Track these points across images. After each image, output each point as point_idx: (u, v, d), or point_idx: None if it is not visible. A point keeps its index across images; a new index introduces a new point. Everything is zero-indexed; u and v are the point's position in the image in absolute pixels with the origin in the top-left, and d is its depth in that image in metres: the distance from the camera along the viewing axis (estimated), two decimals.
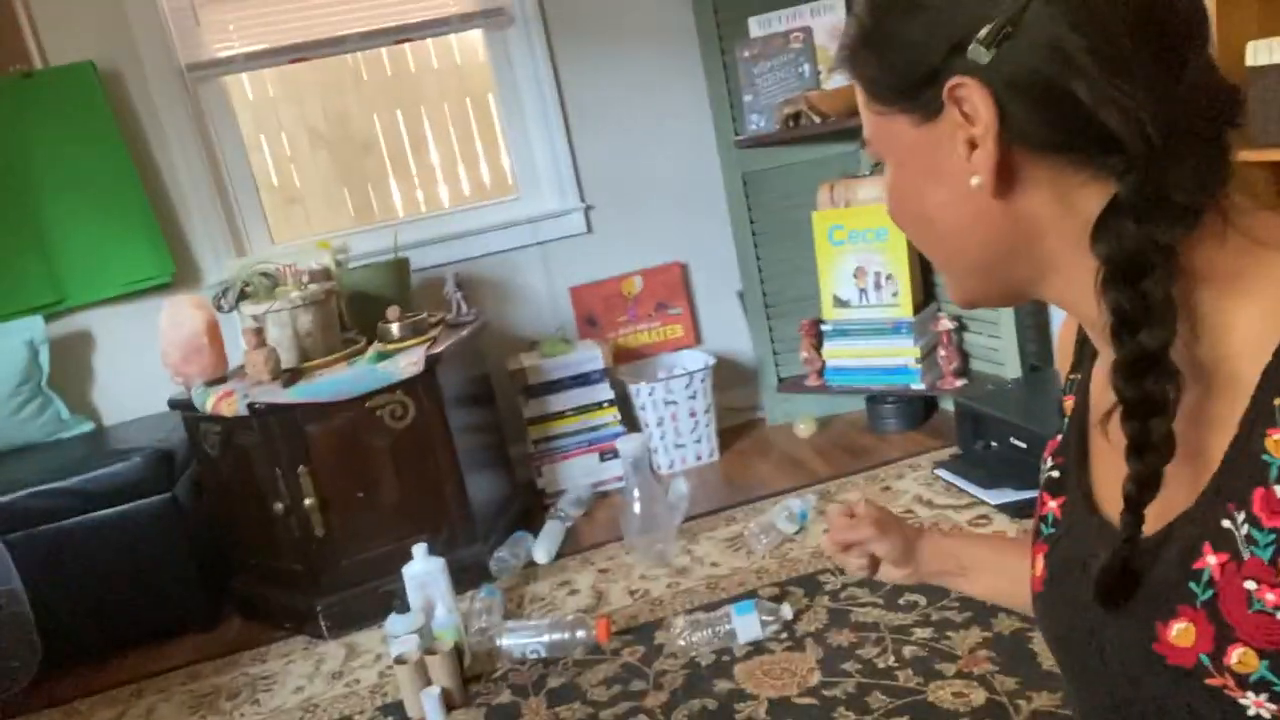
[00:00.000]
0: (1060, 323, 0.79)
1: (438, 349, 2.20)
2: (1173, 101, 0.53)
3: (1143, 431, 0.54)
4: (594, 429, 2.68)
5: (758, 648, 1.75)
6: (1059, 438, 0.74)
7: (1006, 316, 2.43)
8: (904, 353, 2.57)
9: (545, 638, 1.87)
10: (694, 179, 2.92)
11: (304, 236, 2.83)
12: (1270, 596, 0.53)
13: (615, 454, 2.55)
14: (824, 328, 2.69)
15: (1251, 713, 0.54)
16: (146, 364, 2.56)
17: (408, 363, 2.13)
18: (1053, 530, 0.71)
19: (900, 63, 0.58)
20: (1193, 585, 0.56)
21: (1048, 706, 1.43)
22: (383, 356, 2.17)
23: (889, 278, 2.58)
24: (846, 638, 1.73)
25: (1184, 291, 0.55)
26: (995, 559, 0.92)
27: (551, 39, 2.79)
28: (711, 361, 2.78)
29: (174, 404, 2.28)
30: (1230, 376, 0.55)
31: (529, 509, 2.61)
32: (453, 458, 2.20)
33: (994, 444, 2.26)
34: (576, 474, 2.68)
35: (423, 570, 1.95)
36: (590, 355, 2.67)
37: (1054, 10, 0.52)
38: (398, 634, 1.84)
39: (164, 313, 2.24)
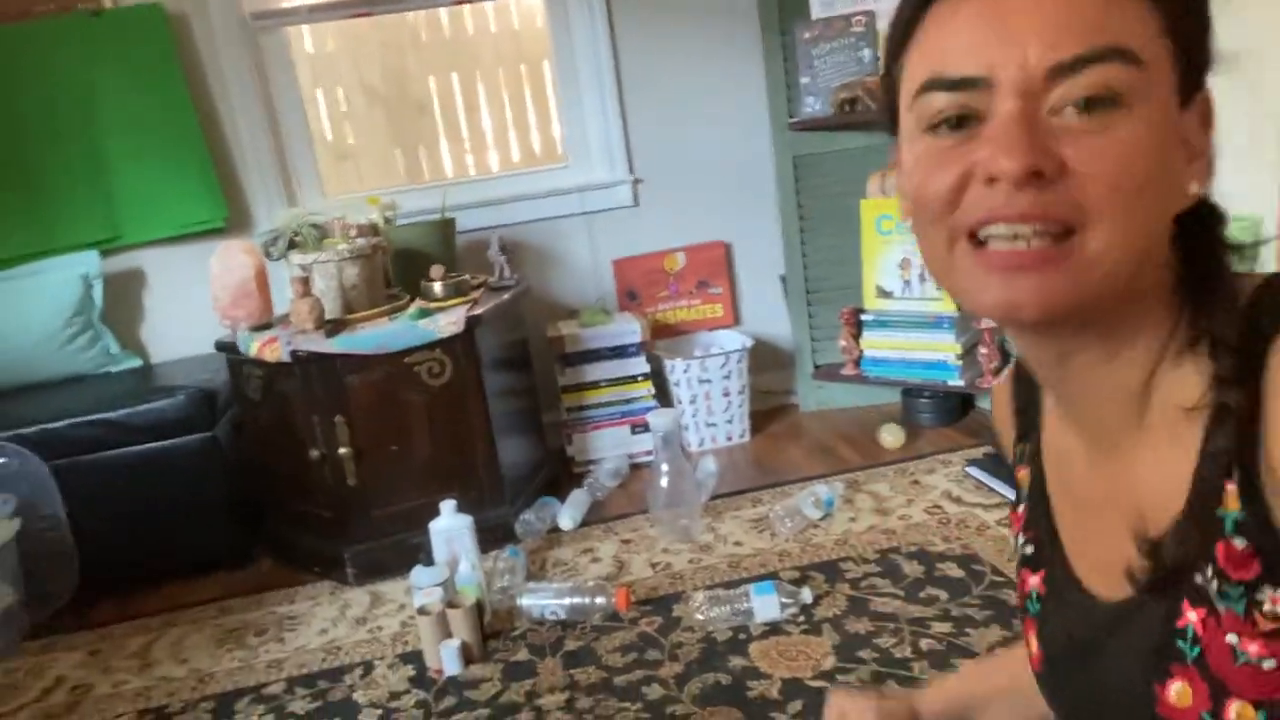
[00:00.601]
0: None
1: (478, 310, 2.22)
2: None
3: (1231, 364, 0.53)
4: (627, 401, 2.70)
5: (774, 628, 1.77)
6: (1022, 510, 0.73)
7: None
8: (944, 348, 2.55)
9: (565, 601, 1.90)
10: (744, 159, 2.91)
11: (354, 191, 2.86)
12: (1253, 648, 0.53)
13: (646, 428, 2.57)
14: (864, 317, 2.67)
15: None
16: (195, 305, 2.61)
17: (448, 322, 2.16)
18: (1040, 606, 0.70)
19: (1199, 26, 0.53)
20: (1180, 644, 0.56)
21: None
22: (424, 314, 2.20)
23: None
24: (864, 626, 1.73)
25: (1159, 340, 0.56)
26: (1009, 685, 0.87)
27: (612, 8, 2.78)
28: (749, 343, 2.77)
29: (220, 346, 2.33)
30: (1181, 431, 0.55)
31: (557, 476, 2.64)
32: (486, 419, 2.23)
33: None
34: (607, 445, 2.70)
35: (450, 526, 1.98)
36: (629, 328, 2.68)
37: None
38: (421, 586, 1.88)
39: (215, 256, 2.28)
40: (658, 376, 2.74)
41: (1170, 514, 0.56)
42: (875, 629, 1.72)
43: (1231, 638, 0.53)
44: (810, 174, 2.77)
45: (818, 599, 1.83)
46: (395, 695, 1.74)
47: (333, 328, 2.15)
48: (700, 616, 1.81)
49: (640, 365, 2.69)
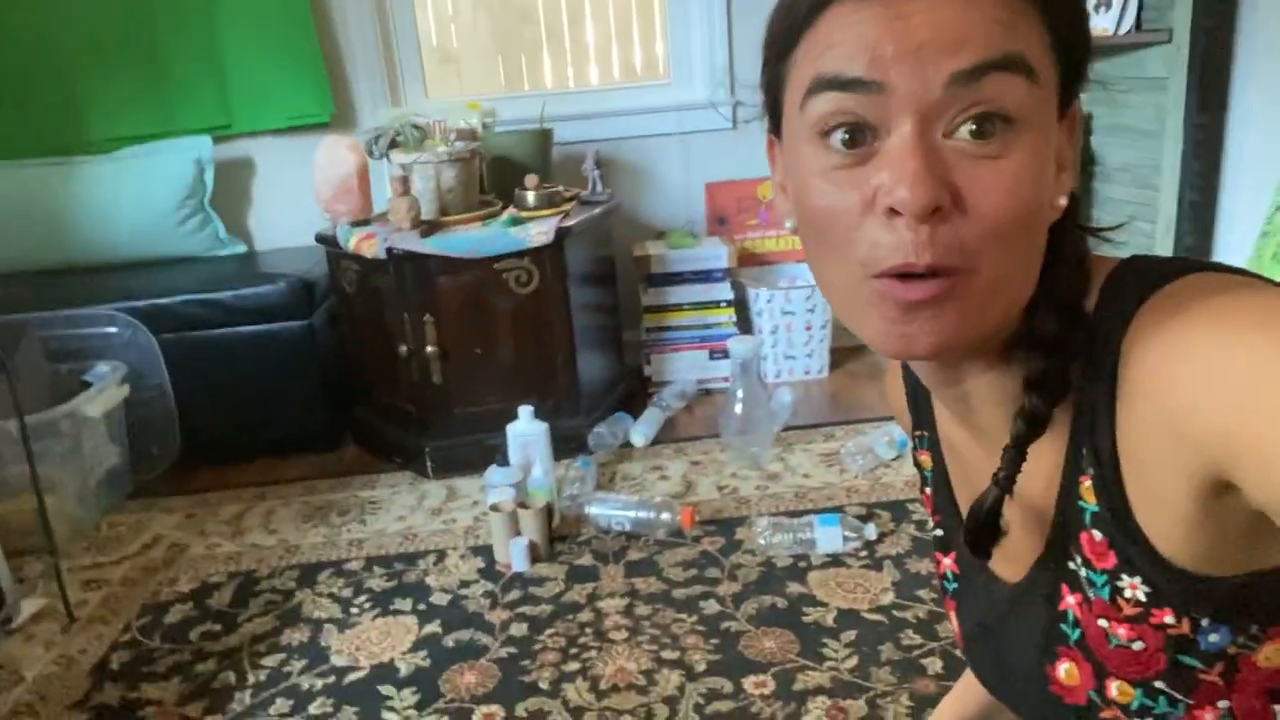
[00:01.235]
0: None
1: (569, 223, 2.24)
2: None
3: (1047, 368, 0.54)
4: (708, 326, 2.70)
5: (835, 560, 1.79)
6: (929, 493, 0.74)
7: None
8: None
9: (631, 513, 1.95)
10: None
11: (456, 96, 2.88)
12: (1121, 631, 0.55)
13: (725, 354, 2.58)
14: None
15: None
16: (299, 197, 2.69)
17: (539, 232, 2.18)
18: (955, 585, 0.73)
19: (1080, 45, 0.52)
20: (1063, 627, 0.59)
21: None
22: (516, 222, 2.23)
23: None
24: (926, 566, 1.74)
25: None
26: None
27: None
28: None
29: (320, 238, 2.41)
30: (1055, 427, 0.56)
31: (633, 394, 2.68)
32: (569, 331, 2.27)
33: None
34: (684, 368, 2.72)
35: (526, 431, 2.05)
36: (716, 253, 2.67)
37: None
38: (495, 485, 1.95)
39: (320, 150, 2.34)
40: (740, 304, 2.73)
41: (1049, 508, 0.58)
42: None
43: (1103, 622, 0.56)
44: None
45: (882, 536, 1.85)
46: (465, 584, 1.83)
47: (428, 228, 2.20)
48: (762, 541, 1.84)
49: (724, 291, 2.68)
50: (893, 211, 0.48)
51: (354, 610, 1.78)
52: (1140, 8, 2.16)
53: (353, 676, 1.59)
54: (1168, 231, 2.20)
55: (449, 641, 1.66)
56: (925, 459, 0.74)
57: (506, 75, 2.95)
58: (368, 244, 2.21)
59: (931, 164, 0.47)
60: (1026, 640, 0.63)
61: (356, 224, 2.32)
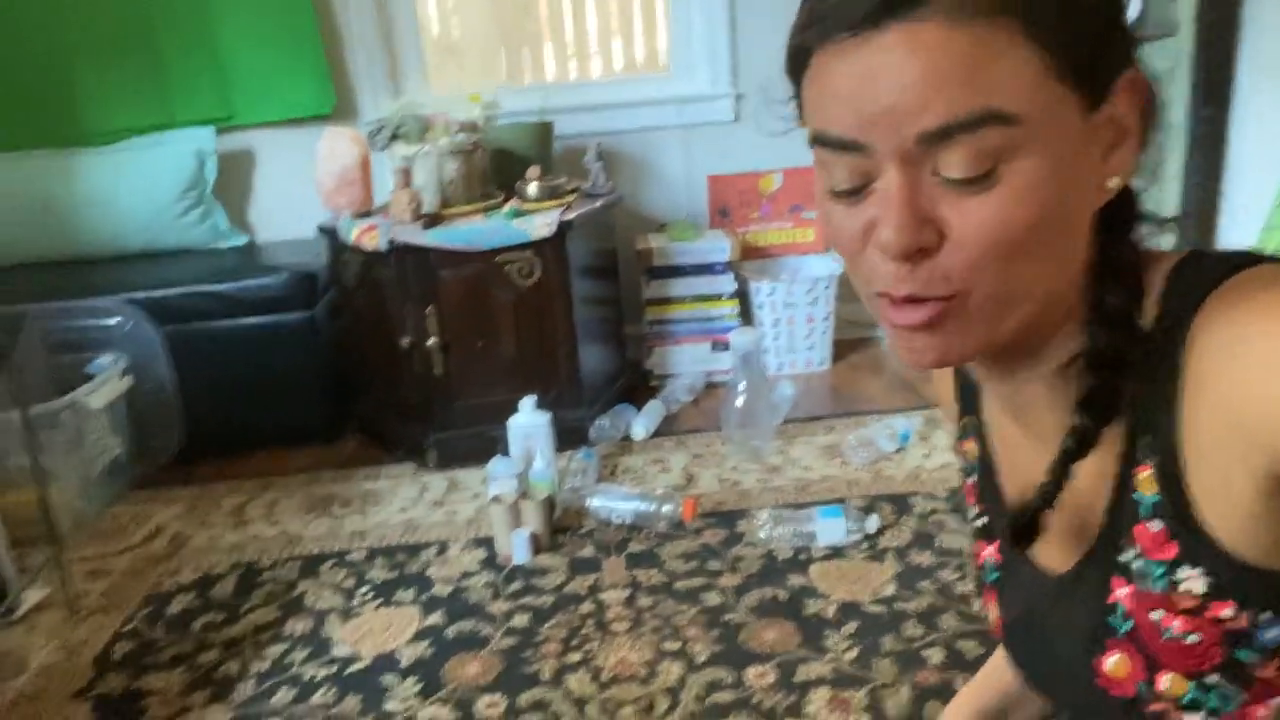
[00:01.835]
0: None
1: (571, 215, 2.24)
2: None
3: (1100, 386, 0.54)
4: (710, 319, 2.70)
5: (836, 552, 1.79)
6: (973, 482, 0.73)
7: None
8: None
9: (633, 505, 1.95)
10: None
11: (457, 87, 2.87)
12: (1177, 624, 0.55)
13: (727, 346, 2.58)
14: None
15: None
16: (300, 189, 2.69)
17: (541, 224, 2.18)
18: (996, 575, 0.72)
19: (1092, 32, 0.49)
20: (1111, 620, 0.59)
21: None
22: (518, 214, 2.23)
23: None
24: (928, 559, 1.74)
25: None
26: (1019, 687, 0.85)
27: None
28: (838, 271, 2.73)
29: (322, 230, 2.41)
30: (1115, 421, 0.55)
31: (634, 386, 2.68)
32: (570, 323, 2.27)
33: None
34: (686, 360, 2.72)
35: (528, 423, 2.05)
36: (718, 245, 2.67)
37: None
38: (497, 476, 1.96)
39: (322, 142, 2.34)
40: (742, 297, 2.73)
41: (1101, 499, 0.58)
42: (938, 562, 1.73)
43: (1156, 614, 0.56)
44: None
45: (883, 528, 1.85)
46: (467, 575, 1.84)
47: (429, 220, 2.20)
48: (764, 534, 1.84)
49: (726, 284, 2.68)
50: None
51: (356, 601, 1.78)
52: (1144, 2, 2.15)
53: (355, 666, 1.59)
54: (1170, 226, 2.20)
55: (451, 632, 1.66)
56: (971, 447, 0.73)
57: (508, 67, 2.94)
58: (369, 236, 2.21)
59: (915, 208, 0.49)
60: (1073, 631, 0.62)
61: (358, 216, 2.32)
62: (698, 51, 2.84)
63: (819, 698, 1.42)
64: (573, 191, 2.47)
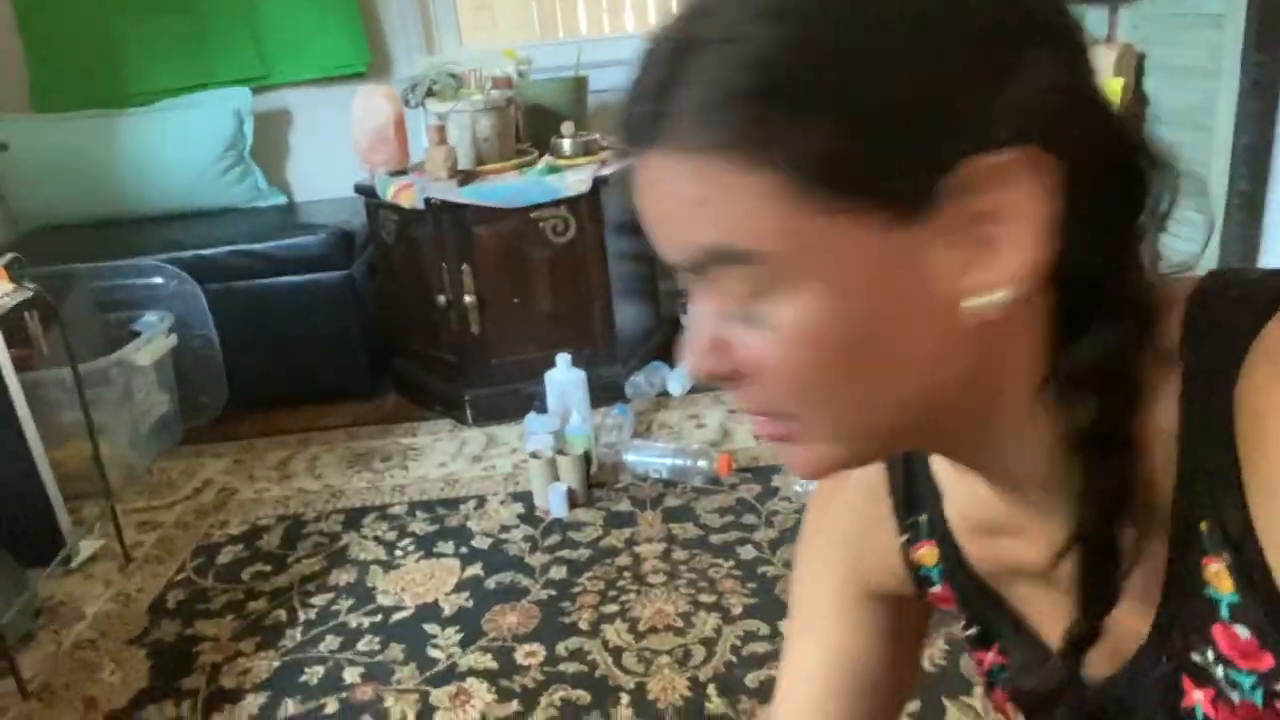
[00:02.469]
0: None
1: (605, 171, 2.23)
2: None
3: (1099, 582, 0.46)
4: None
5: None
6: (941, 589, 0.62)
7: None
8: None
9: (669, 461, 1.97)
10: None
11: (490, 44, 2.85)
12: None
13: None
14: None
15: None
16: (337, 148, 2.69)
17: (575, 180, 2.17)
18: (1006, 675, 0.62)
19: (887, 131, 0.38)
20: None
21: None
22: (552, 170, 2.22)
23: None
24: None
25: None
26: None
27: None
28: None
29: (359, 189, 2.42)
30: (1145, 502, 0.45)
31: (669, 343, 2.67)
32: (606, 279, 2.27)
33: None
34: None
35: (564, 379, 2.06)
36: None
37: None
38: (534, 432, 1.98)
39: (357, 100, 2.34)
40: None
41: (1152, 591, 0.48)
42: None
43: None
44: None
45: None
46: (505, 528, 1.87)
47: (464, 178, 2.20)
48: (799, 489, 1.85)
49: None
50: None
51: (398, 553, 1.82)
52: None
53: (399, 615, 1.64)
54: (1221, 177, 2.14)
55: (490, 584, 1.70)
56: (927, 552, 0.60)
57: (541, 22, 2.91)
58: (406, 194, 2.22)
59: (710, 335, 0.44)
60: None
61: (394, 174, 2.33)
62: None
63: None
64: (608, 147, 2.46)
